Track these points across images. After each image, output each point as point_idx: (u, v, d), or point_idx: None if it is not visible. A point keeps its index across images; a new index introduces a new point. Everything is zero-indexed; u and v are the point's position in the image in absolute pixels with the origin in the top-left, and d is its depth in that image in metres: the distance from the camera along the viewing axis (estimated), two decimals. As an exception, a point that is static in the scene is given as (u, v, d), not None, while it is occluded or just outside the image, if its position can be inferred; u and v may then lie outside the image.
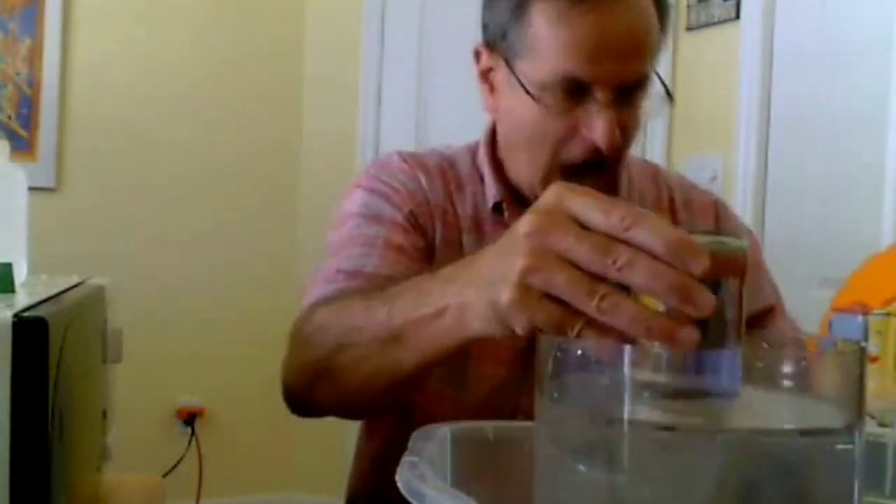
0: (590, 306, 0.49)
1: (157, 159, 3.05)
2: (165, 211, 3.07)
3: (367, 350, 0.73)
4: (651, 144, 2.64)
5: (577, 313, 0.50)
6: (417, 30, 3.04)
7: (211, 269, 3.11)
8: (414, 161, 1.02)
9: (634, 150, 1.10)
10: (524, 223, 0.52)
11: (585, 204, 0.50)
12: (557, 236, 0.50)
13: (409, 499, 0.47)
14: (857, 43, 2.18)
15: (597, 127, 0.86)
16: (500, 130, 1.00)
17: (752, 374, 0.49)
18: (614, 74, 0.86)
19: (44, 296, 0.74)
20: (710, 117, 2.54)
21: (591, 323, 0.50)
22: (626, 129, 0.89)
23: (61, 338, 0.66)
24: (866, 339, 1.38)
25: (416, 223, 0.97)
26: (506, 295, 0.53)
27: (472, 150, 1.04)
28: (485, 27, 0.96)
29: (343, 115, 3.22)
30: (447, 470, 0.59)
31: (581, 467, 0.48)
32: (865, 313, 1.40)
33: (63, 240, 2.72)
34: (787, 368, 0.50)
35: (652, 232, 0.48)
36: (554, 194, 0.52)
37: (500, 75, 0.94)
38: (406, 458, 0.52)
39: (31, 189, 1.01)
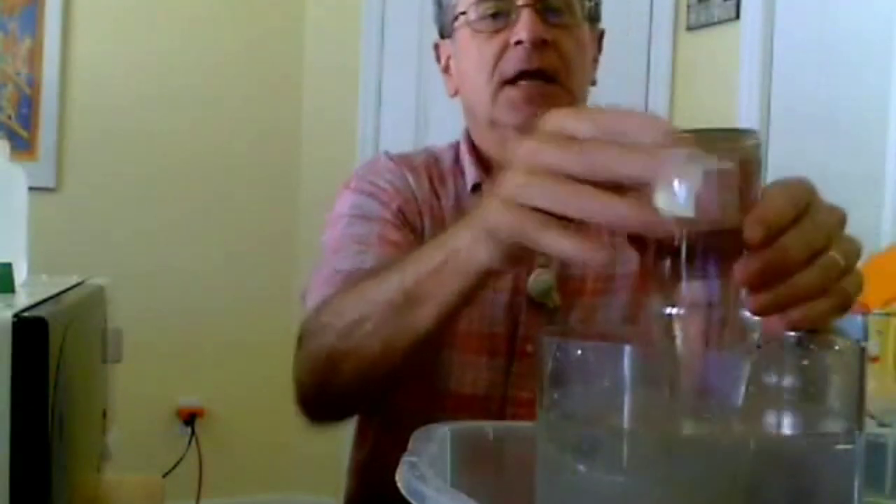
0: (577, 205, 0.49)
1: (157, 159, 3.05)
2: (165, 211, 3.07)
3: (383, 317, 0.72)
4: (651, 144, 2.64)
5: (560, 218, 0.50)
6: (417, 29, 3.04)
7: (211, 269, 3.11)
8: (401, 160, 1.04)
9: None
10: (519, 145, 0.53)
11: (574, 117, 0.51)
12: (547, 151, 0.50)
13: (409, 499, 0.47)
14: (858, 42, 2.18)
15: (518, 24, 0.91)
16: (462, 101, 1.03)
17: (752, 375, 0.49)
18: None
19: (44, 296, 0.74)
20: (710, 117, 2.54)
21: (566, 226, 0.50)
22: (559, 47, 0.92)
23: (61, 338, 0.66)
24: (866, 339, 1.38)
25: (404, 219, 0.98)
26: (488, 206, 0.54)
27: (455, 146, 1.06)
28: (438, 25, 1.04)
29: (343, 115, 3.22)
30: (447, 470, 0.58)
31: (581, 468, 0.48)
32: (865, 313, 1.40)
33: (63, 240, 2.73)
34: (786, 368, 0.50)
35: (639, 127, 0.47)
36: (549, 117, 0.52)
37: (453, 52, 1.01)
38: (406, 458, 0.52)
39: (31, 189, 1.01)
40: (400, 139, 3.05)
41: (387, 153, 1.06)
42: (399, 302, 0.70)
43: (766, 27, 2.38)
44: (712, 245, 0.48)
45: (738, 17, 2.44)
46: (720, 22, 2.49)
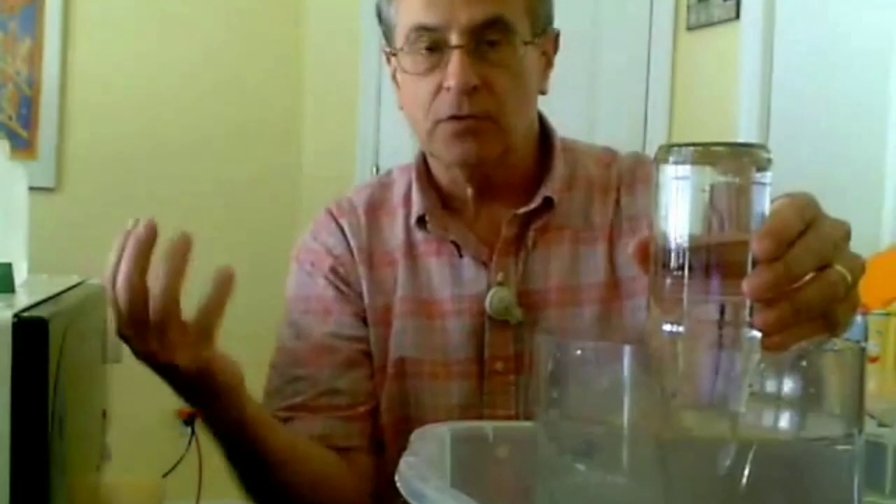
0: None
1: (156, 159, 3.05)
2: (165, 211, 3.05)
3: None
4: (651, 145, 2.64)
5: None
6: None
7: (211, 269, 3.11)
8: (339, 210, 1.03)
9: (632, 148, 1.09)
10: None
11: None
12: None
13: (409, 499, 0.47)
14: (857, 42, 2.18)
15: (449, 70, 0.88)
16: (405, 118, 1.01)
17: (752, 375, 0.49)
18: (459, 14, 0.87)
19: (44, 296, 0.74)
20: (710, 117, 2.54)
21: None
22: (493, 87, 0.89)
23: (61, 338, 0.66)
24: (866, 339, 1.38)
25: (340, 280, 1.00)
26: None
27: (412, 168, 1.04)
28: (383, 34, 1.00)
29: (343, 116, 3.22)
30: (447, 470, 0.58)
31: (581, 468, 0.48)
32: (865, 313, 1.40)
33: (63, 240, 2.72)
34: (786, 369, 0.50)
35: None
36: None
37: (397, 68, 0.97)
38: (406, 458, 0.52)
39: (31, 189, 1.01)
40: (400, 141, 3.04)
41: (329, 207, 1.04)
42: None
43: (766, 27, 2.38)
44: (718, 260, 0.48)
45: (738, 17, 2.44)
46: (720, 22, 2.49)
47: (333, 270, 1.00)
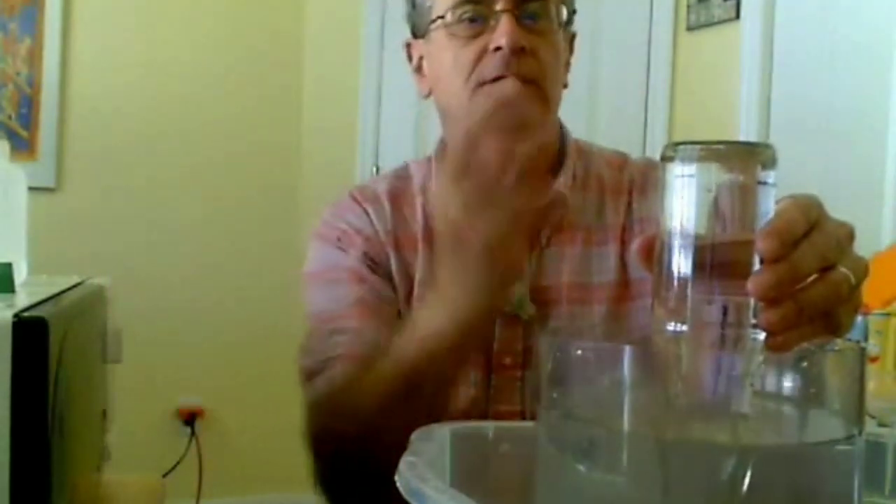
0: None
1: (157, 159, 3.05)
2: (165, 211, 3.07)
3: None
4: (651, 145, 2.64)
5: None
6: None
7: (211, 269, 3.11)
8: (363, 196, 1.04)
9: (634, 151, 1.09)
10: None
11: None
12: None
13: (409, 499, 0.47)
14: (857, 43, 2.18)
15: (497, 31, 0.91)
16: (436, 103, 1.02)
17: (753, 375, 0.49)
18: None
19: (44, 296, 0.74)
20: (710, 117, 2.54)
21: None
22: (537, 54, 0.91)
23: (61, 338, 0.66)
24: (866, 339, 1.38)
25: (371, 261, 0.99)
26: None
27: (430, 159, 1.05)
28: (410, 24, 1.02)
29: (343, 115, 3.22)
30: (447, 470, 0.58)
31: (581, 468, 0.48)
32: (865, 313, 1.40)
33: (63, 240, 2.72)
34: (786, 369, 0.50)
35: None
36: None
37: (426, 52, 0.99)
38: (406, 458, 0.52)
39: (31, 189, 1.01)
40: (400, 140, 3.05)
41: (351, 191, 1.05)
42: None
43: (766, 27, 2.38)
44: (723, 260, 0.48)
45: (738, 17, 2.44)
46: (720, 22, 2.50)
47: (365, 253, 1.00)
